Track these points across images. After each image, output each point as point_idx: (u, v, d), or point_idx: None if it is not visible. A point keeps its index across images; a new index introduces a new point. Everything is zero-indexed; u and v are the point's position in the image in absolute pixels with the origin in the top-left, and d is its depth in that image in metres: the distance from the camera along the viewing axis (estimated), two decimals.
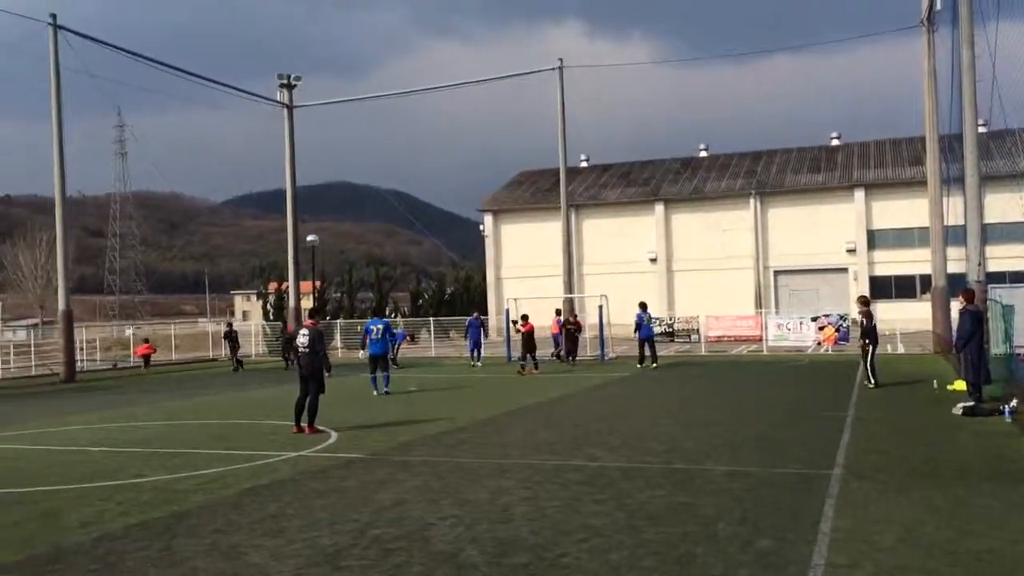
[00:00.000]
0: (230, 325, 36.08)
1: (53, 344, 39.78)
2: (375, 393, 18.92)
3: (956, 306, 16.50)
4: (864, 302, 18.54)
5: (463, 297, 61.88)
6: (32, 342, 35.81)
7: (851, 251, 47.82)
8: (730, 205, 50.82)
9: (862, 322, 18.22)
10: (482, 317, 32.08)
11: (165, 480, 9.45)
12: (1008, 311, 14.96)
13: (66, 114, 29.76)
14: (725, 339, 35.15)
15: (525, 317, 25.80)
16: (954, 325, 17.25)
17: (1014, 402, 12.41)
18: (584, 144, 63.43)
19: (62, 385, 28.00)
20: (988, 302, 17.08)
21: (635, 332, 25.89)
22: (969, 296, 14.44)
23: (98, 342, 43.44)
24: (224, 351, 35.52)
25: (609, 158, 62.71)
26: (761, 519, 7.01)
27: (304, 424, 12.83)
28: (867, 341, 17.62)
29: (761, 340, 32.76)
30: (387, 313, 55.24)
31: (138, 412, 17.34)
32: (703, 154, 58.50)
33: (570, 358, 27.98)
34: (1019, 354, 15.82)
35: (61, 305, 29.75)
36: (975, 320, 13.64)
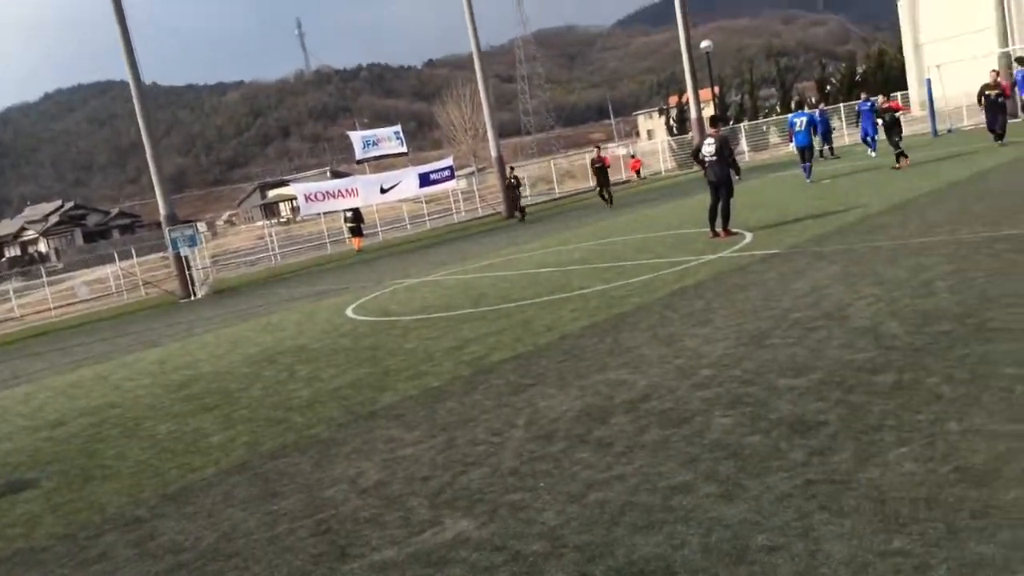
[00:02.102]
0: (512, 169, 32.93)
1: (490, 187, 45.15)
2: (808, 181, 20.43)
3: None
4: None
5: (876, 75, 56.65)
6: (475, 188, 40.84)
7: None
8: None
9: None
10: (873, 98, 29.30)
11: (604, 289, 10.87)
12: None
13: None
14: None
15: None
16: None
17: None
18: None
19: (505, 221, 31.98)
20: None
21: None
22: None
23: (526, 179, 48.10)
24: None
25: None
26: None
27: (719, 228, 13.54)
28: None
29: None
30: (794, 107, 52.73)
31: (571, 236, 19.46)
32: None
33: (996, 132, 21.45)
34: None
35: (493, 152, 33.47)
36: None
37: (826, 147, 28.49)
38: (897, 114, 20.56)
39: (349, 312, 13.52)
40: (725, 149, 13.70)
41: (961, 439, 4.29)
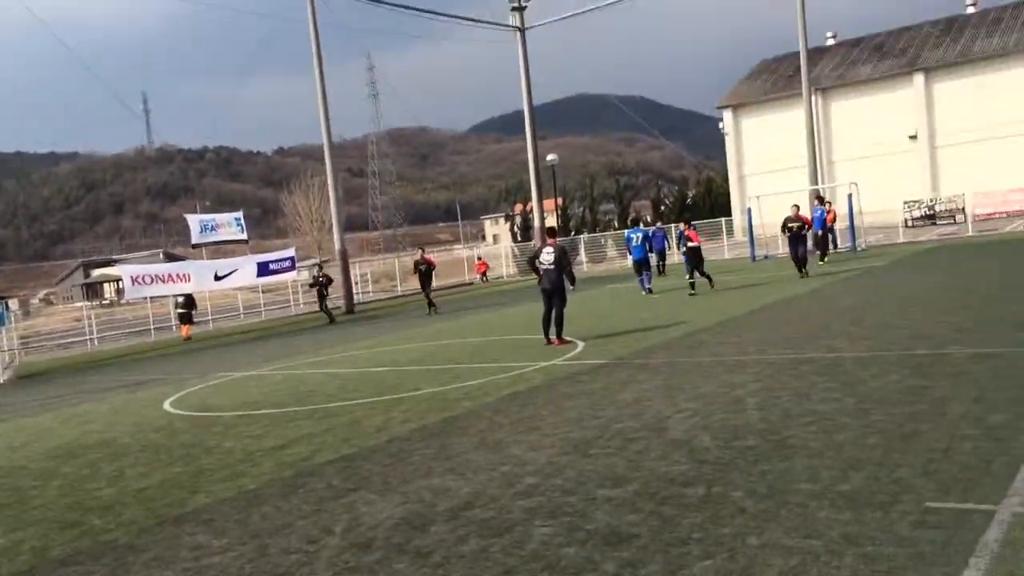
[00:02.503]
0: (320, 267, 31.43)
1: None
2: (644, 293, 21.74)
3: None
4: None
5: (705, 200, 60.94)
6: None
7: None
8: (1002, 65, 45.56)
9: None
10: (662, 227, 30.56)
11: (438, 391, 10.85)
12: None
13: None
14: (996, 216, 32.33)
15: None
16: None
17: None
18: (833, 20, 58.42)
19: (344, 316, 31.56)
20: None
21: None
22: None
23: (370, 275, 47.93)
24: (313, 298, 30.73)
25: (861, 31, 58.32)
26: (998, 397, 7.01)
27: (552, 336, 13.90)
28: None
29: None
30: (630, 223, 55.65)
31: (410, 335, 19.43)
32: (970, 10, 52.45)
33: (798, 263, 21.51)
34: None
35: (337, 245, 33.24)
36: None
37: (659, 263, 30.11)
38: (692, 243, 20.63)
39: (167, 405, 12.79)
40: (563, 259, 14.19)
41: (759, 553, 4.51)
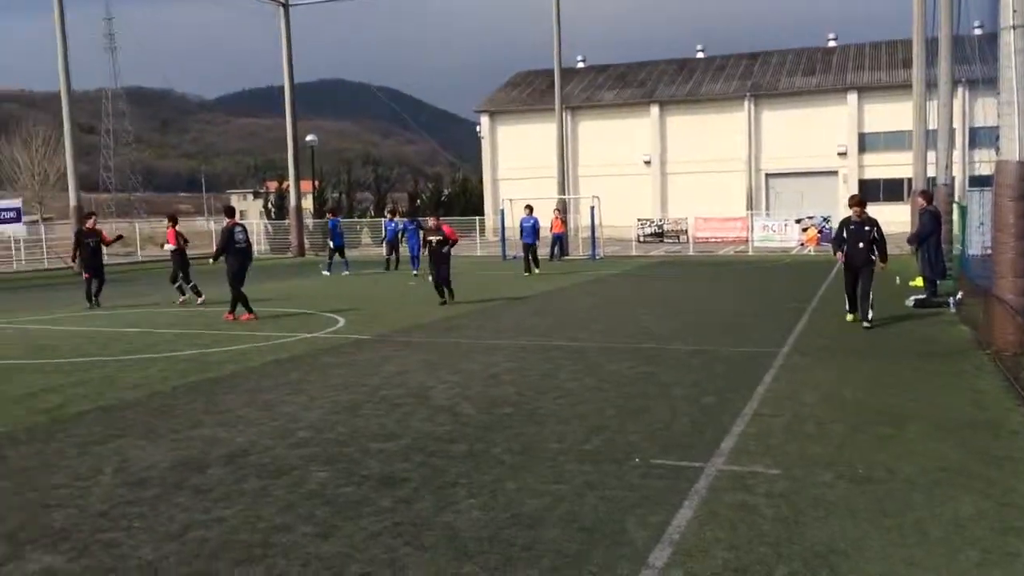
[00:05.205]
0: (88, 215, 19.71)
1: (59, 239, 40.89)
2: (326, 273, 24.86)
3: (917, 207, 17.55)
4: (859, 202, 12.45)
5: (460, 199, 62.64)
6: (42, 237, 36.75)
7: (842, 154, 48.50)
8: (724, 108, 51.13)
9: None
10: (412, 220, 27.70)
11: (197, 354, 10.72)
12: (963, 212, 16.06)
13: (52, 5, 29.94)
14: (712, 240, 36.33)
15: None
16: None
17: (960, 294, 13.67)
18: (582, 45, 62.46)
19: (77, 277, 29.16)
20: (954, 204, 18.18)
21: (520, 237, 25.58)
22: (928, 197, 15.52)
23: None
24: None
25: (606, 59, 62.67)
26: (710, 384, 8.32)
27: (238, 313, 14.13)
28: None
29: (747, 241, 33.92)
30: (384, 213, 55.82)
31: (158, 300, 18.57)
32: (699, 55, 58.35)
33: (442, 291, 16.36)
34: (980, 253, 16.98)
35: (72, 201, 30.65)
36: (933, 220, 14.74)
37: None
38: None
39: None
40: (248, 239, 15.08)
41: (516, 494, 5.21)
